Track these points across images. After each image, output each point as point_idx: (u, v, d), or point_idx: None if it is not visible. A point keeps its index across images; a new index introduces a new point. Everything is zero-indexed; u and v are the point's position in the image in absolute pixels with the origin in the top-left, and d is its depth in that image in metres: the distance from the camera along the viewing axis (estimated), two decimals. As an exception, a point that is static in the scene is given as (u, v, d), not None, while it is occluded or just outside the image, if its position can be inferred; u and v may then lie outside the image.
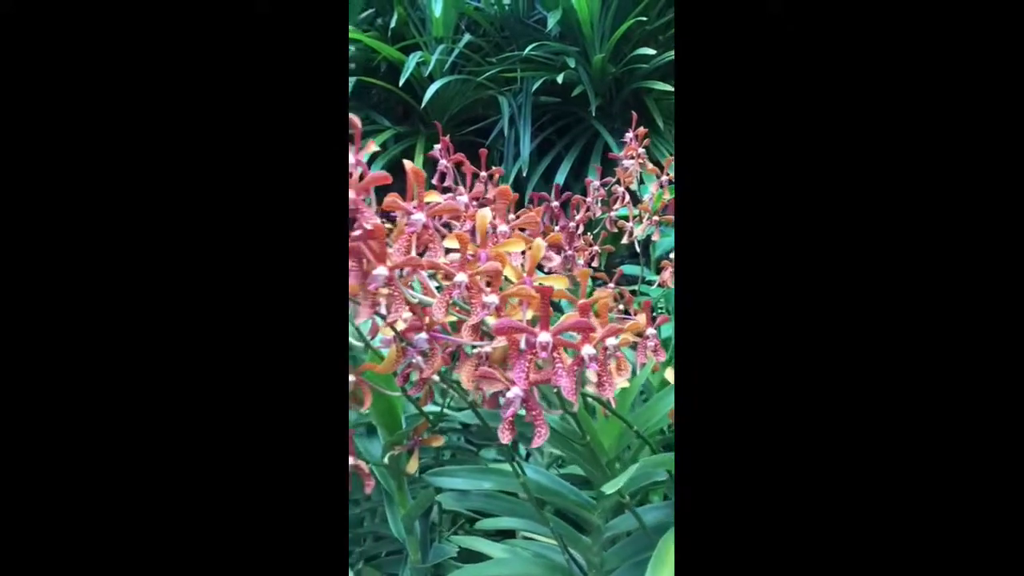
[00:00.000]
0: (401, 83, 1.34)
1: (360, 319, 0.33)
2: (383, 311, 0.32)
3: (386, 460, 0.48)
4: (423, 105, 1.35)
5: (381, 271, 0.29)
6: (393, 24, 1.49)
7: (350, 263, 0.30)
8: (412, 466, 0.48)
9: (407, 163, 0.33)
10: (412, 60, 1.35)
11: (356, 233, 0.30)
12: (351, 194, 0.30)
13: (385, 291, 0.31)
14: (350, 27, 1.47)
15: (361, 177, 0.32)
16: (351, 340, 0.46)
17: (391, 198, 0.32)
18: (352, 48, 1.46)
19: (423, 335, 0.33)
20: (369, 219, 0.30)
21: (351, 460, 0.42)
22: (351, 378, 0.43)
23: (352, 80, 1.40)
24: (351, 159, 0.32)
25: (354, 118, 0.33)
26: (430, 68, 1.37)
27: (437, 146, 0.59)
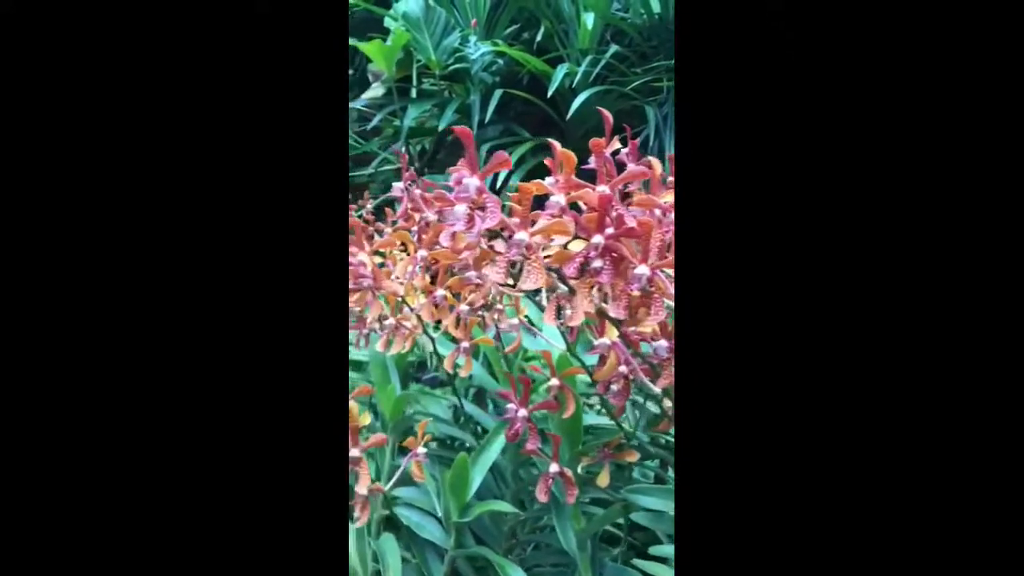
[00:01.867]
0: (550, 94, 1.35)
1: (619, 312, 0.31)
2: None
3: (580, 470, 0.47)
4: (569, 116, 1.36)
5: (643, 270, 0.28)
6: (539, 37, 1.51)
7: (601, 261, 0.29)
8: (603, 479, 0.46)
9: (654, 161, 0.32)
10: (559, 72, 1.36)
11: (611, 231, 0.29)
12: (605, 189, 0.29)
13: (637, 292, 0.29)
14: (497, 41, 1.51)
15: (609, 173, 0.31)
16: (550, 343, 0.45)
17: (643, 197, 0.30)
18: (500, 62, 1.49)
19: (663, 343, 0.31)
20: (630, 216, 0.28)
21: (554, 467, 0.41)
22: (553, 381, 0.42)
23: (498, 92, 1.43)
24: (607, 151, 0.30)
25: (606, 113, 0.32)
26: (576, 79, 1.37)
27: (624, 150, 0.58)
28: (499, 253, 0.28)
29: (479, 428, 0.69)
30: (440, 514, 0.54)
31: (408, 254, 0.46)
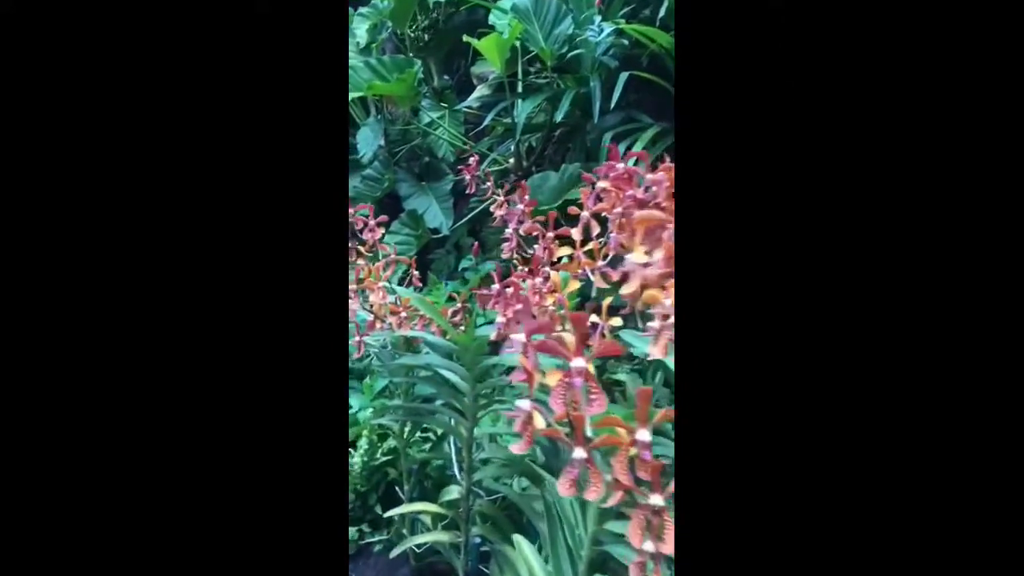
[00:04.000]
0: (685, 69, 1.23)
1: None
2: None
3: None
4: (707, 92, 1.22)
5: None
6: (662, 13, 1.39)
7: None
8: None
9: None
10: (693, 45, 1.23)
11: None
12: None
13: None
14: (619, 20, 1.40)
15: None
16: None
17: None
18: (625, 42, 1.39)
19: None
20: None
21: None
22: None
23: (623, 75, 1.33)
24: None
25: None
26: (711, 52, 1.24)
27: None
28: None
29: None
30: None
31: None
